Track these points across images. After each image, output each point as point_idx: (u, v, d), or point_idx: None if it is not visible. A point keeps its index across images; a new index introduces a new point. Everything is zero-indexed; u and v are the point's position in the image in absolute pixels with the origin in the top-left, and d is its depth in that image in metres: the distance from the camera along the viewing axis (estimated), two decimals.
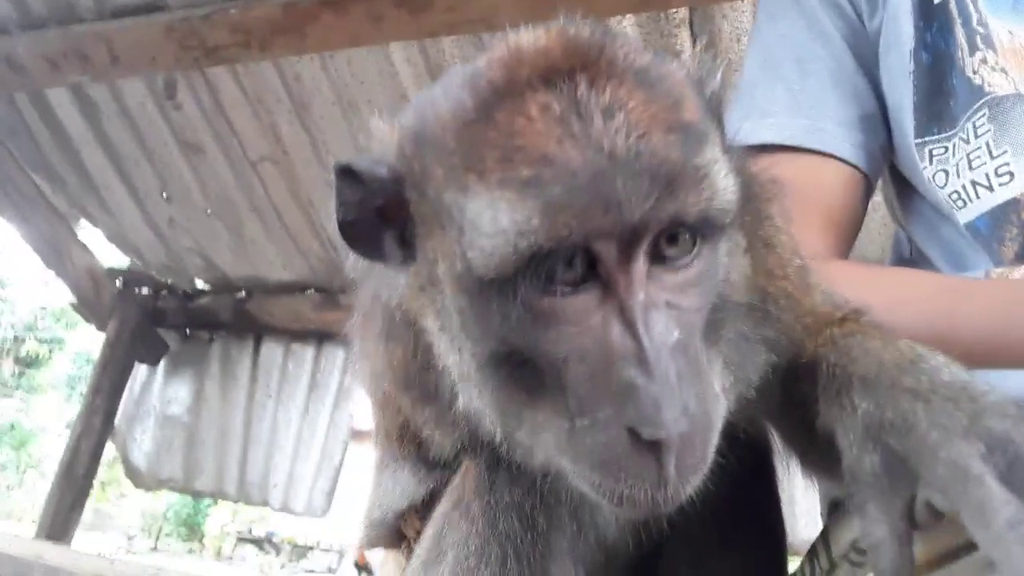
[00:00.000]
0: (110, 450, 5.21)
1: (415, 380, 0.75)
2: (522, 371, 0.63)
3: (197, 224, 4.22)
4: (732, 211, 0.64)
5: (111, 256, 4.77)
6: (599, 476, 0.61)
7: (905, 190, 1.32)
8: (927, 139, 1.19)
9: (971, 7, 1.16)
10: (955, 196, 1.16)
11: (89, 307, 4.71)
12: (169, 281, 4.80)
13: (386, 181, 0.66)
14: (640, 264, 0.59)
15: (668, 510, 0.60)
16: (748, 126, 1.27)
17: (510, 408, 0.66)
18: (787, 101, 1.27)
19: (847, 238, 1.26)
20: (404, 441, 0.85)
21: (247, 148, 3.76)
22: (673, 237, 0.61)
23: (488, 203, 0.59)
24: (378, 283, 0.74)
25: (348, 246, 0.69)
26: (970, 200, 1.15)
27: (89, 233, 4.50)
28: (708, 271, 0.64)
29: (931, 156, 1.19)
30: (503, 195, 0.58)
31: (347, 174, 0.66)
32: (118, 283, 4.77)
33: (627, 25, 2.78)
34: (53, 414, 9.04)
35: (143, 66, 3.29)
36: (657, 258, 0.61)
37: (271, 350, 5.00)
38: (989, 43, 1.13)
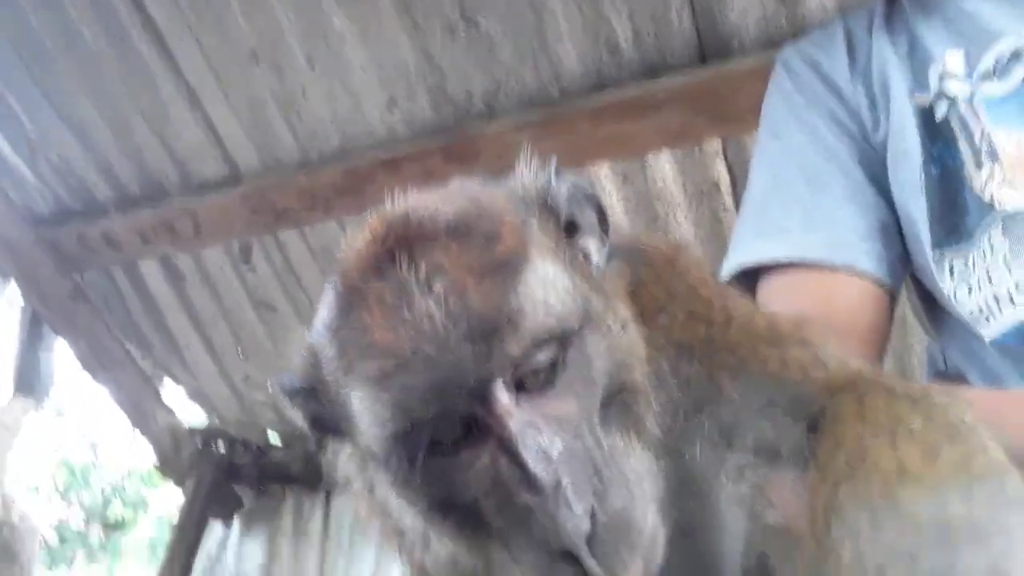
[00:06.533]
0: None
1: (397, 533, 0.83)
2: (459, 516, 0.69)
3: (270, 378, 4.40)
4: (575, 313, 0.68)
5: (191, 415, 4.98)
6: None
7: (931, 303, 1.28)
8: (944, 251, 1.16)
9: (972, 123, 1.15)
10: (979, 311, 1.12)
11: (169, 465, 4.87)
12: (244, 436, 4.94)
13: (304, 391, 0.77)
14: (501, 403, 0.64)
15: None
16: (760, 244, 1.27)
17: (469, 549, 0.72)
18: (801, 217, 1.26)
19: (874, 354, 1.21)
20: None
21: (315, 302, 3.97)
22: (531, 359, 0.66)
23: (357, 399, 0.68)
24: (349, 456, 0.86)
25: (321, 436, 0.81)
26: (994, 316, 1.11)
27: (172, 393, 4.75)
28: (580, 371, 0.68)
29: (951, 270, 1.16)
30: (363, 392, 0.67)
31: (282, 390, 0.79)
32: (197, 441, 4.94)
33: (665, 162, 2.90)
34: (135, 572, 9.15)
35: (222, 234, 3.61)
36: (523, 380, 0.66)
37: (342, 503, 4.99)
38: (994, 157, 1.11)
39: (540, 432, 0.63)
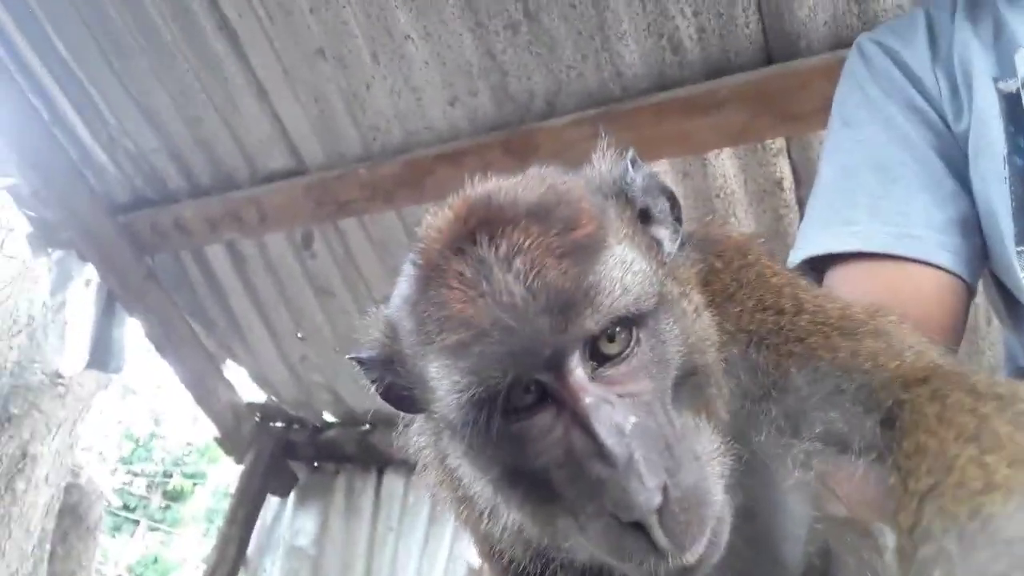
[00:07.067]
0: None
1: (464, 502, 0.84)
2: (530, 485, 0.71)
3: (326, 361, 4.53)
4: (650, 295, 0.71)
5: (251, 393, 5.16)
6: (615, 559, 0.68)
7: (1011, 298, 1.24)
8: None
9: None
10: None
11: (230, 441, 5.07)
12: (300, 415, 5.10)
13: (382, 363, 0.80)
14: (576, 376, 0.67)
15: (697, 570, 0.65)
16: (827, 235, 1.25)
17: (536, 518, 0.74)
18: (870, 208, 1.22)
19: (949, 345, 1.14)
20: (492, 555, 0.92)
21: (372, 289, 4.08)
22: (608, 337, 0.68)
23: (436, 369, 0.70)
24: (422, 427, 0.88)
25: (394, 407, 0.83)
26: None
27: (233, 372, 4.93)
28: (654, 352, 0.70)
29: None
30: (442, 362, 0.69)
31: (358, 362, 0.82)
32: (256, 417, 5.12)
33: (727, 159, 2.87)
34: (192, 548, 9.48)
35: (285, 222, 3.73)
36: (599, 358, 0.68)
37: (392, 482, 5.11)
38: None
39: (613, 407, 0.65)
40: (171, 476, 9.10)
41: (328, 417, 5.07)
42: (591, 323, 0.66)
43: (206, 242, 3.98)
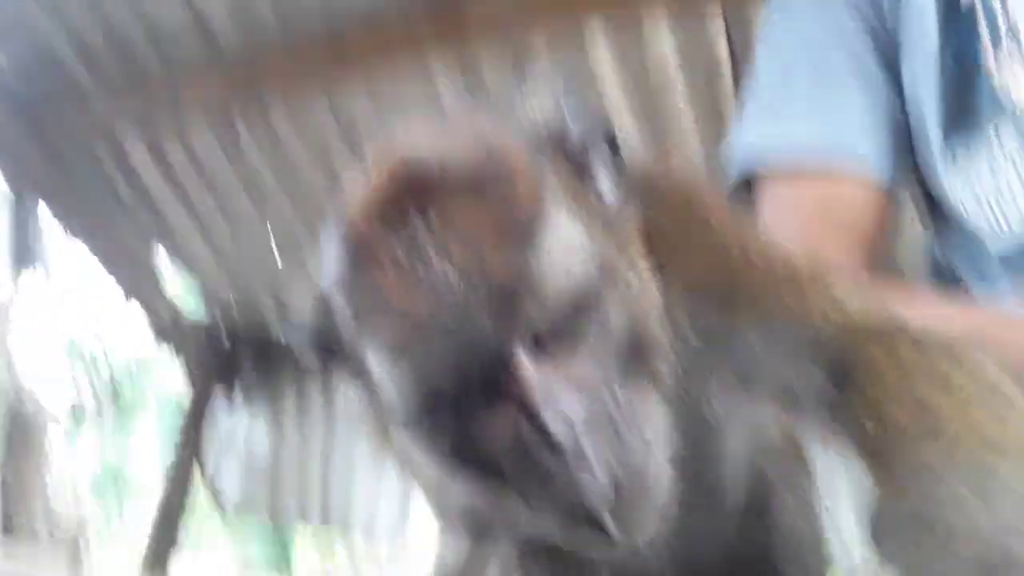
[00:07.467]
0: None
1: (410, 472, 0.82)
2: (477, 472, 0.69)
3: (263, 260, 4.37)
4: (596, 274, 0.67)
5: (188, 294, 5.02)
6: (565, 544, 0.71)
7: (933, 199, 1.23)
8: (953, 145, 1.11)
9: (999, 12, 1.07)
10: (983, 213, 1.09)
11: (171, 342, 4.98)
12: (242, 316, 4.98)
13: (314, 334, 0.74)
14: (524, 369, 0.63)
15: (641, 551, 0.66)
16: (764, 133, 1.23)
17: (484, 500, 0.73)
18: (806, 107, 1.21)
19: (880, 256, 1.19)
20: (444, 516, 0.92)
21: (306, 187, 3.88)
22: (553, 325, 0.64)
23: (374, 359, 0.65)
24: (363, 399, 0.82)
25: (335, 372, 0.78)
26: (998, 223, 1.07)
27: (167, 271, 4.76)
28: (600, 331, 0.66)
29: (957, 165, 1.11)
30: (380, 355, 0.64)
31: (288, 332, 0.78)
32: (196, 319, 4.99)
33: (664, 40, 2.81)
34: (148, 459, 9.61)
35: (204, 108, 3.49)
36: (542, 348, 0.64)
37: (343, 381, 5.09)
38: (1017, 41, 1.05)
39: (561, 397, 0.63)
40: (119, 388, 9.03)
41: (270, 317, 4.96)
42: (536, 314, 0.63)
43: (120, 131, 3.70)
